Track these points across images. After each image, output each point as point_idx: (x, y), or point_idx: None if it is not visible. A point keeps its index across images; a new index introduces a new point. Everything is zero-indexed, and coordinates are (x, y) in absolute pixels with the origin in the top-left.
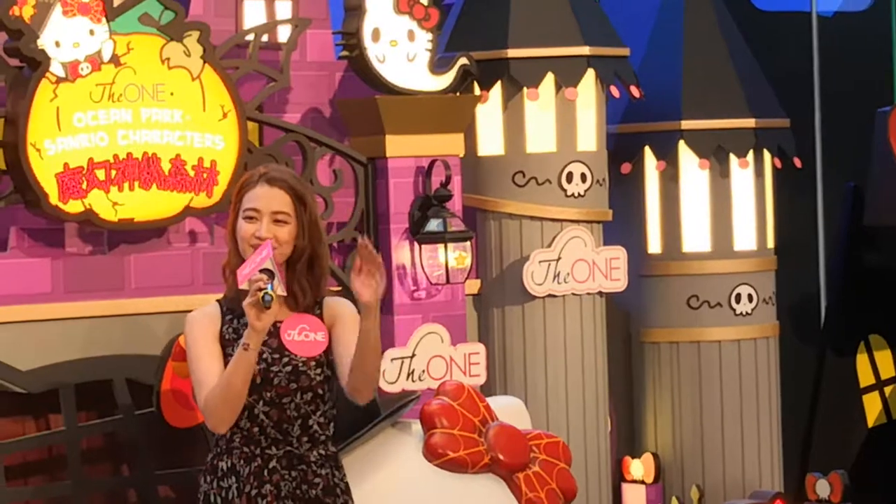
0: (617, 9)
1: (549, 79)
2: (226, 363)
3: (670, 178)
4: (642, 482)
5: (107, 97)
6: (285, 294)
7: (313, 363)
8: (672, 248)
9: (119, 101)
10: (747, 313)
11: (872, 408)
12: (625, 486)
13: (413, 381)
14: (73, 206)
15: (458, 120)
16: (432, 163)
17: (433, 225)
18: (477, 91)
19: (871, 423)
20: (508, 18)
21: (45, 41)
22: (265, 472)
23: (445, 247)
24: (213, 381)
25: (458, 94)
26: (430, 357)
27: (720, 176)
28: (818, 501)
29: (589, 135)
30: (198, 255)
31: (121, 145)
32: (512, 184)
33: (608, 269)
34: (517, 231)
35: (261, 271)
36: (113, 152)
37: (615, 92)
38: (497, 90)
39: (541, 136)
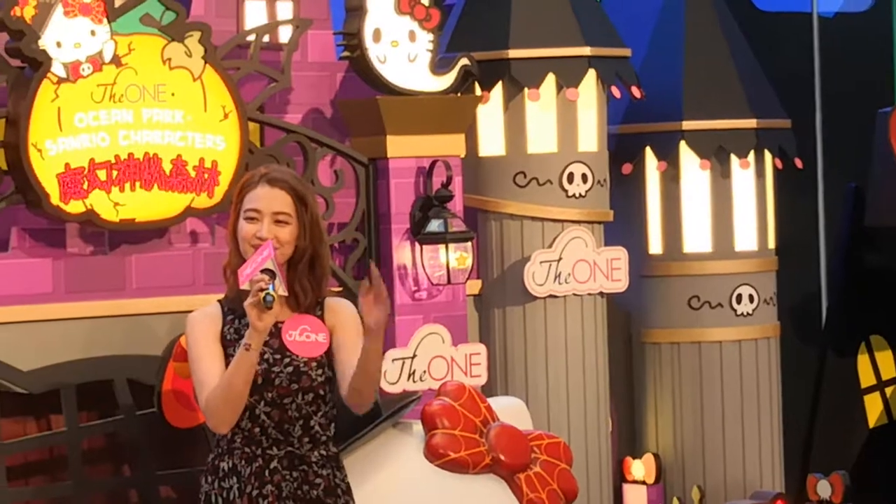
0: (618, 9)
1: (550, 79)
2: (227, 363)
3: (671, 179)
4: (643, 483)
5: (108, 97)
6: (287, 294)
7: (314, 364)
8: (673, 248)
9: (120, 102)
10: (748, 314)
11: (873, 408)
12: (626, 487)
13: (414, 381)
14: (75, 207)
15: (459, 120)
16: (433, 163)
17: (434, 225)
18: (478, 91)
19: (872, 423)
20: (509, 19)
21: (46, 42)
22: (266, 473)
23: (446, 247)
24: (215, 381)
25: (459, 94)
26: (431, 357)
27: (721, 176)
28: (819, 502)
29: (590, 135)
30: (199, 255)
31: (122, 146)
32: (513, 184)
33: (609, 270)
34: (518, 231)
35: (262, 271)
36: (114, 153)
37: (616, 92)
38: (498, 91)
39: (542, 136)
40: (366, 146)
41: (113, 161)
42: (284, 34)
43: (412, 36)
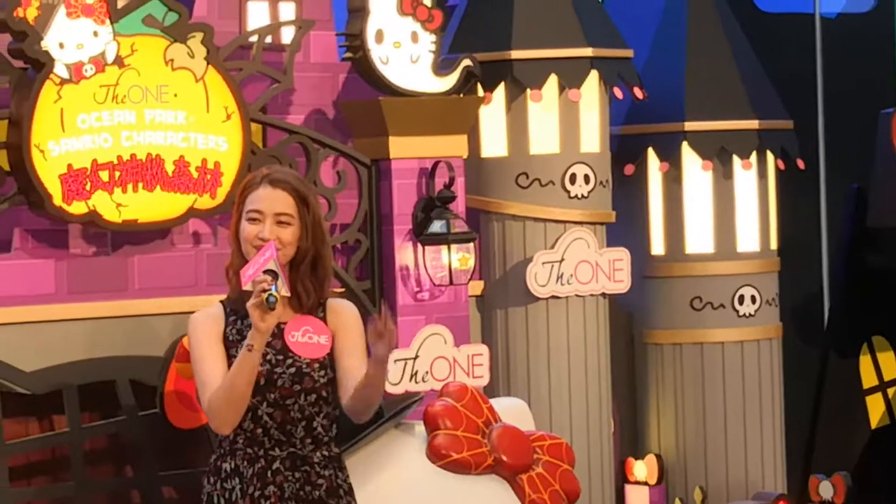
0: (620, 10)
1: (553, 80)
2: (229, 364)
3: (673, 180)
4: (645, 483)
5: (111, 98)
6: (289, 295)
7: (317, 365)
8: (675, 249)
9: (123, 103)
10: (750, 315)
11: (875, 409)
12: (628, 488)
13: (416, 382)
14: (77, 208)
15: (461, 121)
16: (436, 164)
17: (436, 226)
18: (480, 92)
19: (874, 424)
20: (512, 20)
21: (48, 43)
22: (269, 474)
23: (449, 248)
24: (217, 382)
25: (461, 95)
26: (433, 358)
27: (723, 177)
28: (821, 503)
29: (592, 136)
30: (201, 256)
31: (124, 146)
32: (515, 185)
33: (611, 271)
34: (520, 232)
35: (265, 272)
36: (117, 153)
37: (618, 93)
38: (500, 91)
39: (544, 137)
40: (368, 147)
41: (115, 162)
42: (287, 35)
43: (414, 37)
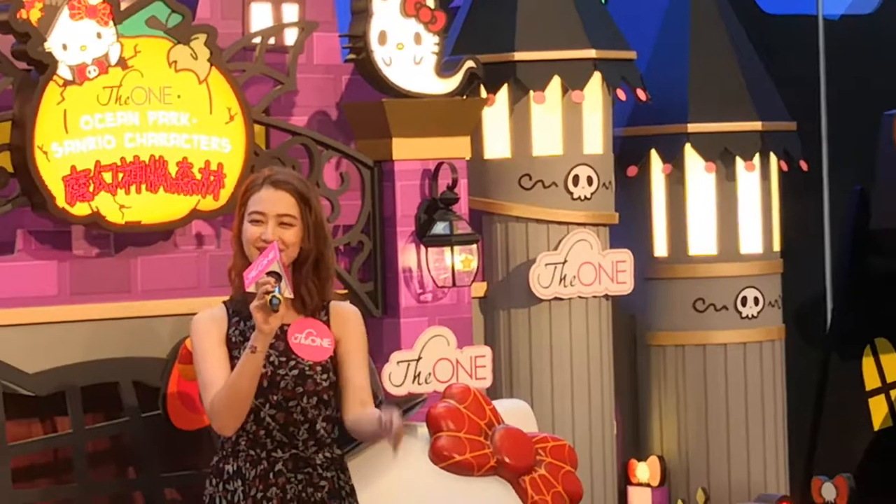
0: (623, 12)
1: (556, 82)
2: (232, 366)
3: (676, 181)
4: (648, 485)
5: (114, 100)
6: (293, 297)
7: (319, 368)
8: (678, 251)
9: (126, 104)
10: (753, 316)
11: (878, 411)
12: (630, 490)
13: (419, 383)
14: (80, 209)
15: (464, 123)
16: (439, 166)
17: (439, 228)
18: (483, 94)
19: (876, 426)
20: (515, 21)
21: (52, 44)
22: (271, 475)
23: (452, 250)
24: (220, 383)
25: (464, 97)
26: (436, 360)
27: (726, 179)
28: None
29: (595, 138)
30: (204, 257)
31: (128, 148)
32: (518, 187)
33: (614, 272)
34: (523, 234)
35: (268, 274)
36: (120, 155)
37: (621, 95)
38: (503, 93)
39: (547, 138)
40: (371, 148)
41: (119, 163)
42: (290, 37)
43: (418, 38)
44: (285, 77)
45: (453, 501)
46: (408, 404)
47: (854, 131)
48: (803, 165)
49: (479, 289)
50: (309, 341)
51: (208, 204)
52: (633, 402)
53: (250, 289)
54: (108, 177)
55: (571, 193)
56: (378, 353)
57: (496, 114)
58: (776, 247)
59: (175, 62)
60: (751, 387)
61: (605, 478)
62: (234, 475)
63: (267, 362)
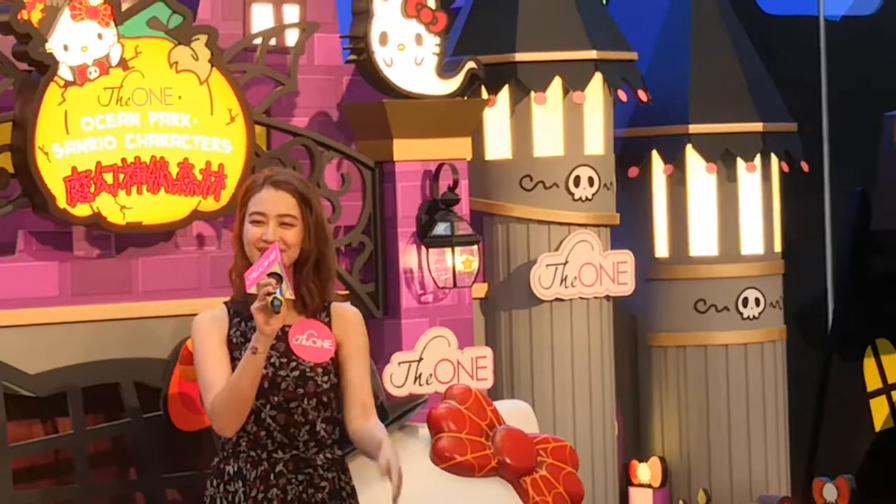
0: (624, 13)
1: (557, 82)
2: (233, 367)
3: (678, 182)
4: (649, 486)
5: (115, 101)
6: (294, 297)
7: (320, 370)
8: (679, 251)
9: (127, 105)
10: (754, 317)
11: (879, 412)
12: (632, 490)
13: (420, 384)
14: (81, 210)
15: (465, 124)
16: (440, 166)
17: (440, 229)
18: (484, 95)
19: (878, 427)
20: (516, 22)
21: (53, 45)
22: (272, 476)
23: (453, 250)
24: (221, 384)
25: (465, 97)
26: (437, 361)
27: (727, 180)
28: None
29: (596, 138)
30: (205, 258)
31: (129, 149)
32: (519, 187)
33: (615, 273)
34: (524, 235)
35: (269, 275)
36: (121, 156)
37: (622, 96)
38: (505, 94)
39: (548, 139)
40: (372, 149)
41: (119, 164)
42: (291, 38)
43: (419, 39)
44: (286, 78)
45: (454, 502)
46: (409, 405)
47: (855, 132)
48: (804, 166)
49: (480, 290)
50: (310, 343)
51: (209, 205)
52: (634, 403)
53: (251, 290)
54: (108, 178)
55: (572, 194)
56: (379, 353)
57: (497, 115)
58: (777, 248)
59: (176, 63)
60: (752, 388)
61: (606, 479)
62: (234, 476)
63: (268, 363)
